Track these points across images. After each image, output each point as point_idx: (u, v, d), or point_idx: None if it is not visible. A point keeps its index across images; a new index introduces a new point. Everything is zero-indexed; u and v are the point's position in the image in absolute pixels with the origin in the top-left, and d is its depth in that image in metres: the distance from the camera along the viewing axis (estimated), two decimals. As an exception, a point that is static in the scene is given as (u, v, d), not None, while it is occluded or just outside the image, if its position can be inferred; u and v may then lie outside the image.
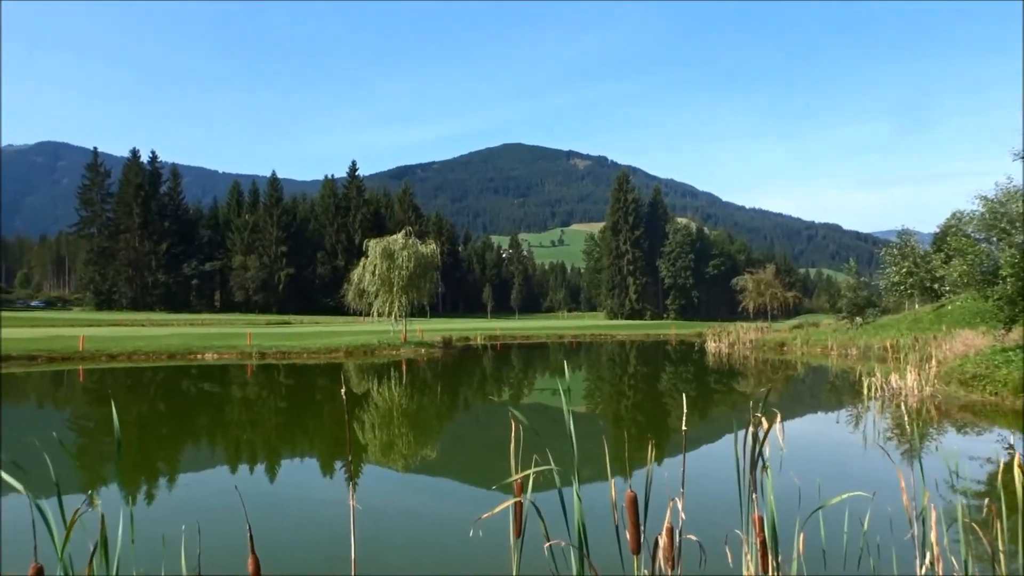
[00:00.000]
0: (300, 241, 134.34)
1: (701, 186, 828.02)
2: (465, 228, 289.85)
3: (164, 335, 46.05)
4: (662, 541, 3.03)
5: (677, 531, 3.09)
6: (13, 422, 18.47)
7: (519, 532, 3.20)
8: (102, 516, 2.88)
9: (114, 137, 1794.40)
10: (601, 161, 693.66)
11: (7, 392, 24.23)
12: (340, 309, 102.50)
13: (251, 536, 2.68)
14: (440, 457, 13.76)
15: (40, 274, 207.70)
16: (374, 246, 42.21)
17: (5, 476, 2.78)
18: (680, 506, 3.20)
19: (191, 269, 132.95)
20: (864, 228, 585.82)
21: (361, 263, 43.17)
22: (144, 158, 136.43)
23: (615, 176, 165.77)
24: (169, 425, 17.32)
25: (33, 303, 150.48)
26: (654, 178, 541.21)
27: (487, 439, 16.32)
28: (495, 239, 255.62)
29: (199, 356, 34.42)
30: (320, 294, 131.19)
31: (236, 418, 18.52)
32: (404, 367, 32.72)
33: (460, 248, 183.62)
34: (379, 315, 42.55)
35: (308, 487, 11.23)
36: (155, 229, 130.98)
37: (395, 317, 42.03)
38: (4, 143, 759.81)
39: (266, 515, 9.07)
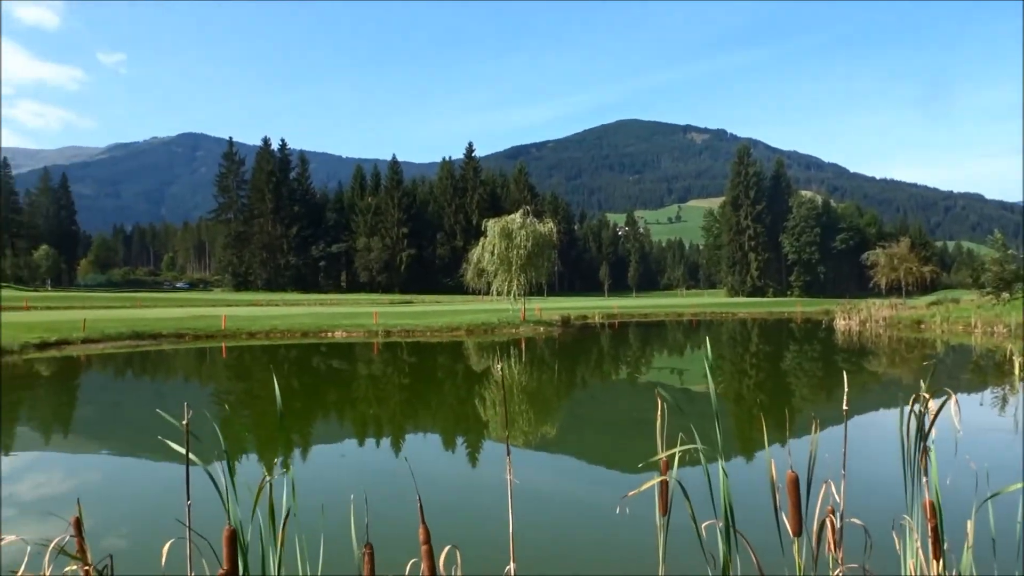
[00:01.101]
0: (420, 222, 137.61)
1: (827, 157, 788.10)
2: (580, 207, 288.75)
3: (296, 314, 48.34)
4: (828, 522, 2.86)
5: (838, 514, 2.91)
6: (166, 395, 19.88)
7: (665, 510, 3.10)
8: (270, 484, 2.98)
9: (247, 127, 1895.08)
10: (719, 135, 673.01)
11: (160, 367, 26.12)
12: (459, 288, 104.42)
13: (421, 506, 2.69)
14: (560, 435, 13.76)
15: (183, 257, 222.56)
16: (492, 226, 42.61)
17: (170, 444, 2.94)
18: (840, 489, 3.02)
19: (319, 251, 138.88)
20: (1011, 197, 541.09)
21: (480, 243, 43.70)
22: (274, 146, 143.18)
23: (735, 149, 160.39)
24: (302, 400, 18.14)
25: (178, 284, 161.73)
26: (776, 150, 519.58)
27: (606, 417, 16.20)
28: (611, 217, 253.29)
29: (329, 334, 35.89)
30: (440, 274, 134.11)
31: (363, 394, 19.18)
32: (523, 345, 32.98)
33: (576, 227, 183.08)
34: (498, 294, 43.02)
35: (432, 461, 11.48)
36: (286, 213, 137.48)
37: (514, 296, 42.38)
38: (149, 135, 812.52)
39: (388, 487, 9.32)
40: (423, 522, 2.58)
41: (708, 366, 3.21)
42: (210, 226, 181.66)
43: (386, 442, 13.07)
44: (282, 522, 2.98)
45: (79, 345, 28.56)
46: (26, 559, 3.10)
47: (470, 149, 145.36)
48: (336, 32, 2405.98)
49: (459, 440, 13.33)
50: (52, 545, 2.80)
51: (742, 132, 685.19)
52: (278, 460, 10.69)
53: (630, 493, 3.07)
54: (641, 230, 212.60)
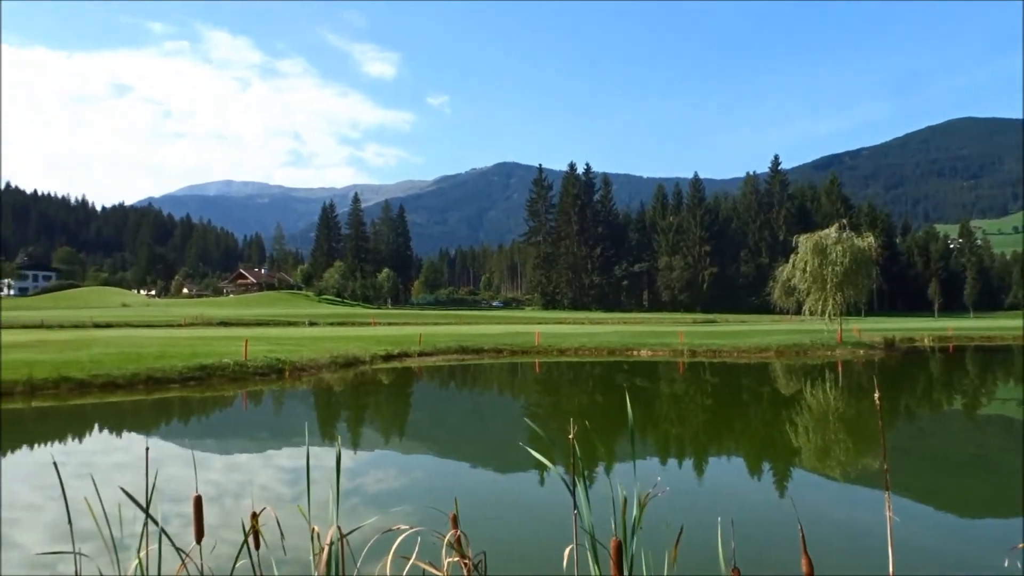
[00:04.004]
0: (723, 240, 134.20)
1: None
2: (903, 217, 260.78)
3: (602, 332, 49.66)
4: None
5: None
6: (485, 405, 21.55)
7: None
8: (624, 498, 3.07)
9: (555, 153, 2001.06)
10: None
11: (479, 379, 28.40)
12: (765, 307, 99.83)
13: (803, 536, 2.61)
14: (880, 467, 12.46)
15: (498, 278, 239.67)
16: (804, 242, 40.17)
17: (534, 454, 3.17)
18: None
19: (622, 271, 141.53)
20: None
21: (790, 260, 41.40)
22: (579, 170, 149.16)
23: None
24: (607, 416, 18.53)
25: (494, 303, 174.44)
26: None
27: (936, 452, 14.39)
28: (940, 228, 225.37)
29: (635, 352, 36.31)
30: (744, 292, 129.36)
31: (666, 413, 19.09)
32: (839, 369, 30.55)
33: (897, 240, 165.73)
34: (810, 314, 40.36)
35: (737, 485, 11.05)
36: (590, 234, 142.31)
37: (828, 316, 39.46)
38: (470, 167, 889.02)
39: (705, 511, 9.13)
40: (806, 553, 2.48)
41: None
42: (522, 248, 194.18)
43: (688, 463, 12.87)
44: (676, 540, 3.01)
45: (416, 357, 32.00)
46: (413, 547, 3.39)
47: (776, 162, 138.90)
48: (635, 58, 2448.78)
49: (765, 466, 12.70)
50: (446, 540, 3.08)
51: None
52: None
53: (1020, 545, 2.68)
54: (979, 242, 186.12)
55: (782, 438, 15.34)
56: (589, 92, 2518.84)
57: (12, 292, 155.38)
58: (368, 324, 61.71)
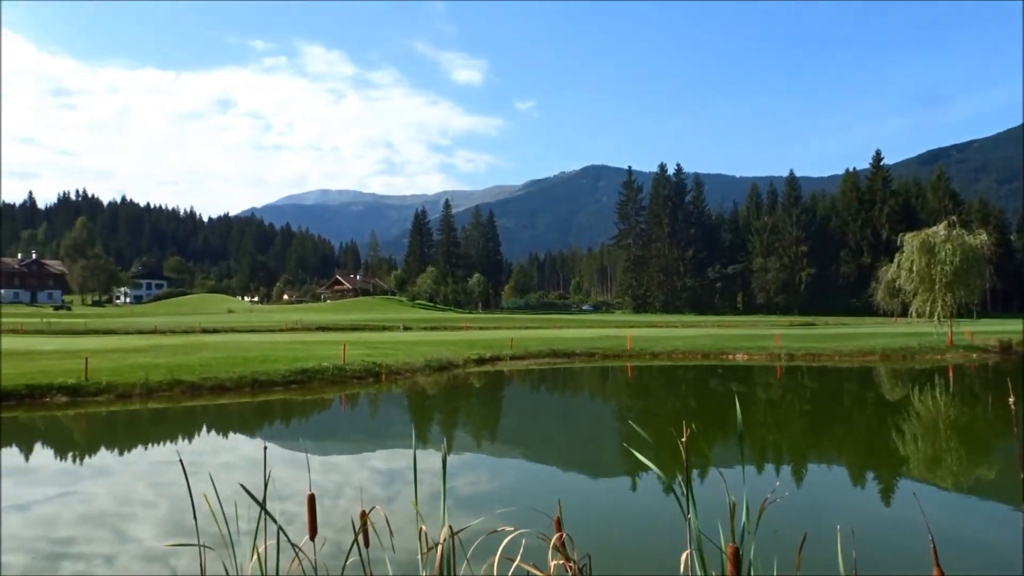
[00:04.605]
0: (821, 240, 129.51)
1: None
2: (1018, 213, 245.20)
3: (695, 335, 48.79)
4: None
5: None
6: (575, 409, 21.52)
7: None
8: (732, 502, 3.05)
9: (644, 155, 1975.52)
10: None
11: (570, 382, 28.40)
12: (866, 309, 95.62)
13: (935, 549, 2.53)
14: (999, 479, 11.77)
15: (588, 282, 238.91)
16: (910, 240, 38.37)
17: (640, 456, 3.20)
18: None
19: (715, 273, 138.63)
20: None
21: (895, 259, 39.61)
22: (670, 171, 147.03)
23: None
24: (699, 420, 18.21)
25: (584, 307, 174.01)
26: None
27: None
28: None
29: (730, 356, 35.50)
30: (844, 294, 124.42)
31: (762, 418, 18.60)
32: (951, 374, 29.04)
33: (1012, 237, 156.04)
34: (918, 316, 38.51)
35: (841, 493, 10.67)
36: (682, 236, 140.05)
37: (938, 318, 37.53)
38: (558, 171, 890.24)
39: (813, 521, 8.86)
40: (938, 565, 2.41)
41: None
42: (611, 251, 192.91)
43: (786, 470, 12.50)
44: (799, 547, 2.98)
45: (508, 361, 32.25)
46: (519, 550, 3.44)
47: (877, 157, 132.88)
48: (726, 55, 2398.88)
49: (869, 475, 12.22)
50: (552, 543, 3.13)
51: None
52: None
53: None
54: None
55: (888, 446, 14.70)
56: (678, 92, 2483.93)
57: (128, 300, 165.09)
58: (460, 328, 62.58)
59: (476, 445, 14.97)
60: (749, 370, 31.26)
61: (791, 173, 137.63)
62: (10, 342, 34.70)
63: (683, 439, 3.03)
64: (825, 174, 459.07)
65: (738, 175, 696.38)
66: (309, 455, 12.69)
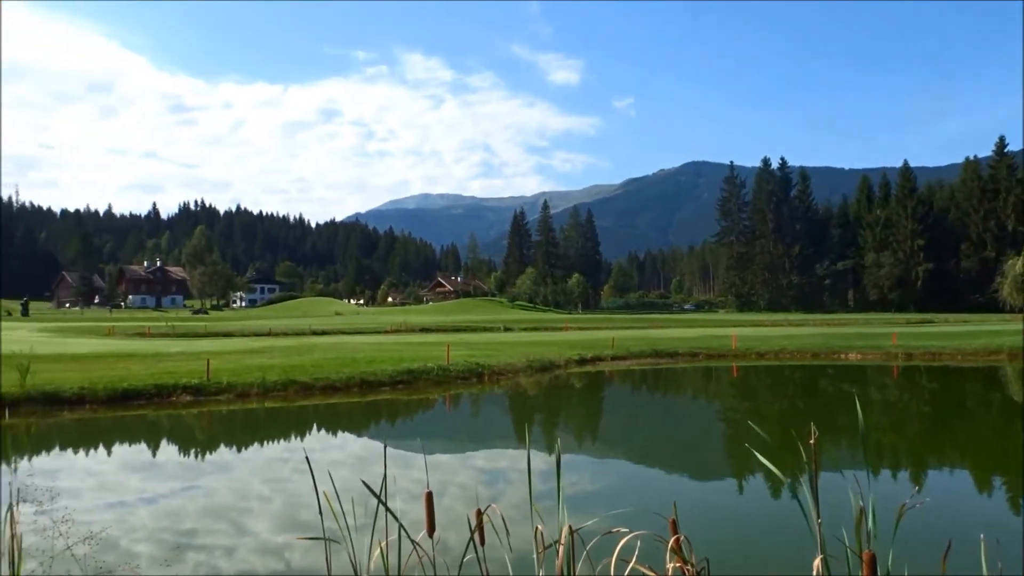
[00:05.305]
0: (939, 233, 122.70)
1: None
2: None
3: (804, 334, 47.17)
4: None
5: None
6: (677, 410, 21.21)
7: None
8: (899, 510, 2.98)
9: (747, 149, 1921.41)
10: None
11: (672, 383, 28.01)
12: (991, 306, 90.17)
13: None
14: None
15: (690, 280, 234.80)
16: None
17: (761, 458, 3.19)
18: None
19: (823, 269, 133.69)
20: None
21: (1022, 253, 37.24)
22: (774, 165, 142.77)
23: None
24: (809, 422, 17.61)
25: (685, 306, 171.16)
26: None
27: None
28: None
29: (841, 356, 34.14)
30: (965, 289, 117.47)
31: (876, 420, 17.82)
32: (1086, 374, 27.02)
33: None
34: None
35: (965, 502, 10.12)
36: (787, 232, 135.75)
37: (1070, 314, 35.05)
38: (657, 168, 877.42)
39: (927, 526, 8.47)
40: None
41: None
42: (713, 249, 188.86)
43: (904, 475, 11.96)
44: (944, 554, 2.91)
45: (609, 361, 32.06)
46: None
47: (1001, 144, 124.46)
48: (830, 43, 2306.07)
49: (997, 482, 11.53)
50: (669, 545, 3.16)
51: None
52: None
53: None
54: None
55: (1019, 452, 13.84)
56: (781, 84, 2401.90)
57: (243, 303, 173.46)
58: (560, 329, 62.60)
59: (578, 445, 14.98)
60: (862, 370, 29.98)
61: (905, 163, 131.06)
62: (139, 345, 37.12)
63: (812, 440, 2.99)
64: (942, 163, 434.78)
65: (847, 167, 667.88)
66: (416, 454, 13.02)
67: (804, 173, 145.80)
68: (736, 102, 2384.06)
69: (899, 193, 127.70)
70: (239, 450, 14.42)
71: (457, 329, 60.51)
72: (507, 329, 60.95)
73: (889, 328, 51.91)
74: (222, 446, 14.89)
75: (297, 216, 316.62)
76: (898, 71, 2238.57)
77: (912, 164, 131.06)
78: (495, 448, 14.83)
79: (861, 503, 2.95)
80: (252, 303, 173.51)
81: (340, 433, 16.64)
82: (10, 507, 3.95)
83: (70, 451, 14.10)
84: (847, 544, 2.89)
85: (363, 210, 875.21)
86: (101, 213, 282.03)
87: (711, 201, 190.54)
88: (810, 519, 2.96)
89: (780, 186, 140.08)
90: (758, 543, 8.06)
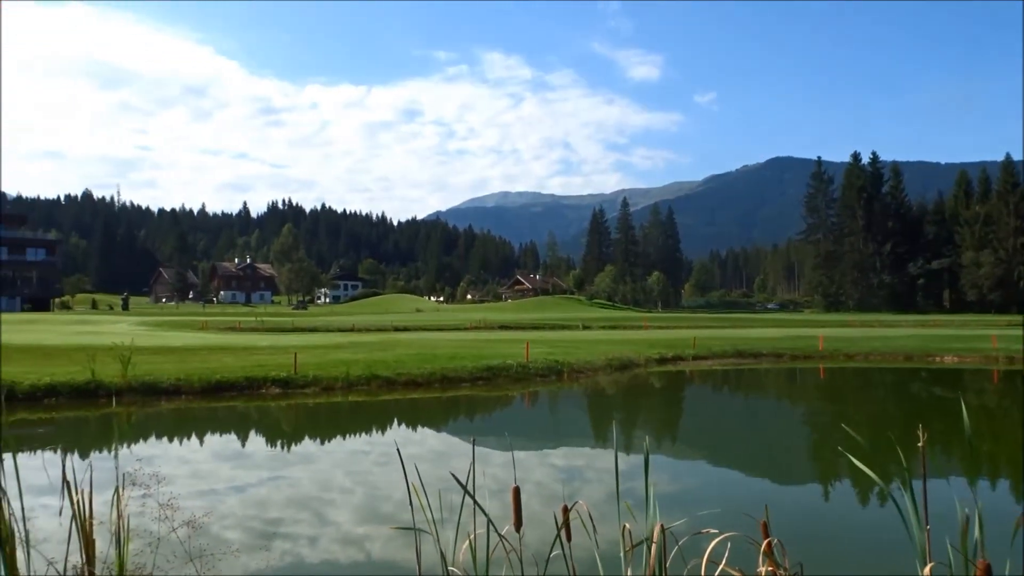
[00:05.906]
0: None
1: None
2: None
3: (897, 336, 45.39)
4: None
5: None
6: (759, 411, 20.72)
7: None
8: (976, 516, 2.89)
9: (835, 144, 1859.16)
10: None
11: (754, 384, 27.37)
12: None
13: None
14: None
15: (774, 279, 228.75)
16: None
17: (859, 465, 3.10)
18: None
19: (916, 268, 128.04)
20: None
21: None
22: (864, 160, 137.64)
23: None
24: (901, 427, 16.95)
25: (769, 306, 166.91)
26: None
27: None
28: None
29: (937, 359, 32.69)
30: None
31: (976, 426, 16.97)
32: None
33: None
34: None
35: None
36: (878, 230, 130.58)
37: None
38: (740, 164, 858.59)
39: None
40: None
41: None
42: (799, 247, 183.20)
43: (1004, 484, 11.37)
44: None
45: (690, 361, 31.56)
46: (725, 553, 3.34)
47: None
48: (923, 30, 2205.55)
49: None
50: (763, 548, 3.10)
51: None
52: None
53: None
54: None
55: None
56: (871, 74, 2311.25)
57: (328, 300, 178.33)
58: (640, 327, 61.94)
59: (657, 445, 14.82)
60: (959, 374, 28.65)
61: (1007, 156, 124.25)
62: (231, 338, 38.63)
63: (920, 443, 2.88)
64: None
65: (943, 162, 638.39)
66: (492, 450, 13.12)
67: (896, 168, 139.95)
68: (824, 95, 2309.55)
69: (1000, 188, 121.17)
70: (323, 442, 14.84)
71: (536, 327, 60.62)
72: (586, 327, 60.74)
73: (989, 330, 49.38)
74: (307, 438, 15.36)
75: (379, 214, 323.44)
76: (1000, 61, 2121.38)
77: (1016, 157, 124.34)
78: (573, 446, 14.82)
79: (966, 511, 2.81)
80: (336, 299, 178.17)
81: (420, 428, 16.93)
82: (116, 490, 4.18)
83: (166, 439, 14.80)
84: (949, 551, 2.77)
85: (443, 208, 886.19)
86: (195, 212, 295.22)
87: (796, 198, 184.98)
88: (910, 526, 2.84)
89: (871, 181, 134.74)
90: (850, 549, 7.80)
